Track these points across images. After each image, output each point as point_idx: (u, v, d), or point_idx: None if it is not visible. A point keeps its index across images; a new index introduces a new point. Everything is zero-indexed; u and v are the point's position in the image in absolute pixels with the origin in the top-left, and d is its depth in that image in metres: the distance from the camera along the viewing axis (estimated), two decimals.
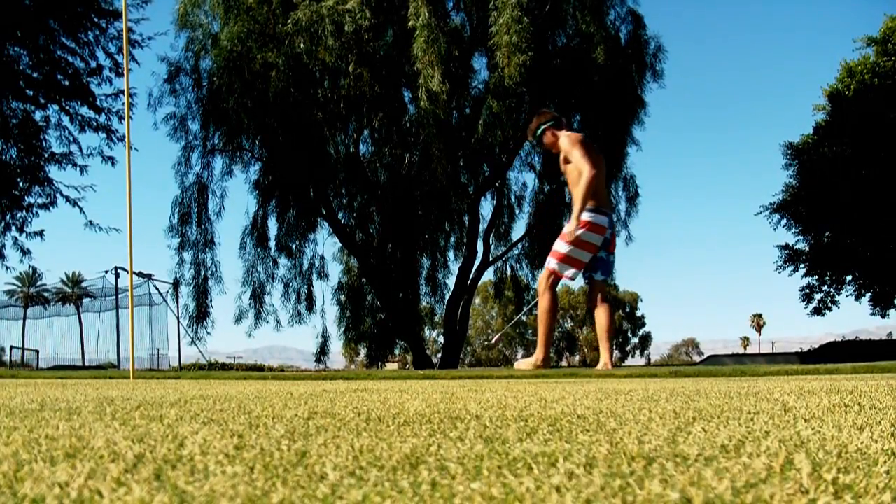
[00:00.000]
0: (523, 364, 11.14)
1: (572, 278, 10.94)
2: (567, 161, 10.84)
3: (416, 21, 25.35)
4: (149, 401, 4.98)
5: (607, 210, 10.79)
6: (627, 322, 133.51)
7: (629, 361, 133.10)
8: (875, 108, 39.23)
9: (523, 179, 32.09)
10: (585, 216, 10.62)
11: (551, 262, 10.89)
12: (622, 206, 30.25)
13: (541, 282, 10.88)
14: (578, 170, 10.60)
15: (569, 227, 10.76)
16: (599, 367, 11.05)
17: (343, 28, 25.99)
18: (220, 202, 29.84)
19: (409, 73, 27.19)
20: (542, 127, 11.38)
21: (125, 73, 15.30)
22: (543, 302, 10.88)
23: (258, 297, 30.55)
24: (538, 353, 10.98)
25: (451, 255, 32.79)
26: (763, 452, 2.12)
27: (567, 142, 10.86)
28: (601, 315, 10.93)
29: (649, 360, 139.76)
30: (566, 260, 10.79)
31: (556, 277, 10.92)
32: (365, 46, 26.79)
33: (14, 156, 27.00)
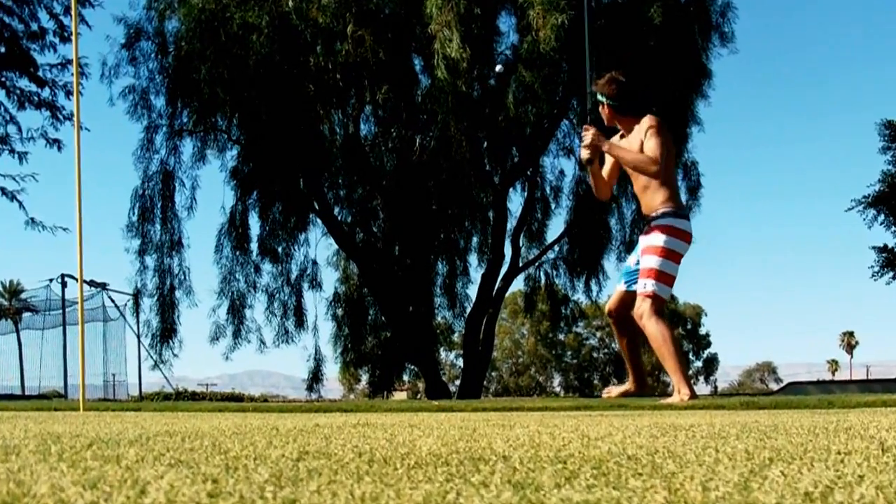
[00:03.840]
0: (672, 400, 10.90)
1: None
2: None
3: None
4: (103, 438, 4.99)
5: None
6: (689, 342, 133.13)
7: None
8: None
9: (560, 166, 31.67)
10: (667, 221, 10.41)
11: (649, 285, 10.37)
12: (681, 199, 30.17)
13: (643, 312, 10.59)
14: (651, 159, 10.48)
15: (656, 237, 10.53)
16: (623, 387, 11.30)
17: None
18: (191, 195, 29.98)
19: (420, 37, 27.22)
20: (614, 101, 11.09)
21: (73, 37, 15.32)
22: (656, 329, 10.58)
23: (237, 310, 30.58)
24: (685, 389, 10.67)
25: (472, 259, 32.81)
26: (856, 501, 2.12)
27: (653, 123, 10.68)
28: (635, 335, 10.92)
29: (715, 388, 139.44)
30: (663, 278, 10.41)
31: (660, 303, 10.49)
32: (367, 4, 26.83)
33: None
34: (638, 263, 10.55)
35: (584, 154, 10.75)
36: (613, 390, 11.66)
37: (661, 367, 11.19)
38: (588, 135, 10.61)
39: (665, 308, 10.62)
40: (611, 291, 11.21)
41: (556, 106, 28.11)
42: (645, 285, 10.34)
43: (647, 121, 10.54)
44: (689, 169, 30.30)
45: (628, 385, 11.29)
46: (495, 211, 31.24)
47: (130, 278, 29.98)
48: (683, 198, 29.57)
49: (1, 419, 9.01)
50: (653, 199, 10.45)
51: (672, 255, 10.34)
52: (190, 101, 28.83)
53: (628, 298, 10.69)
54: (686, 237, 10.44)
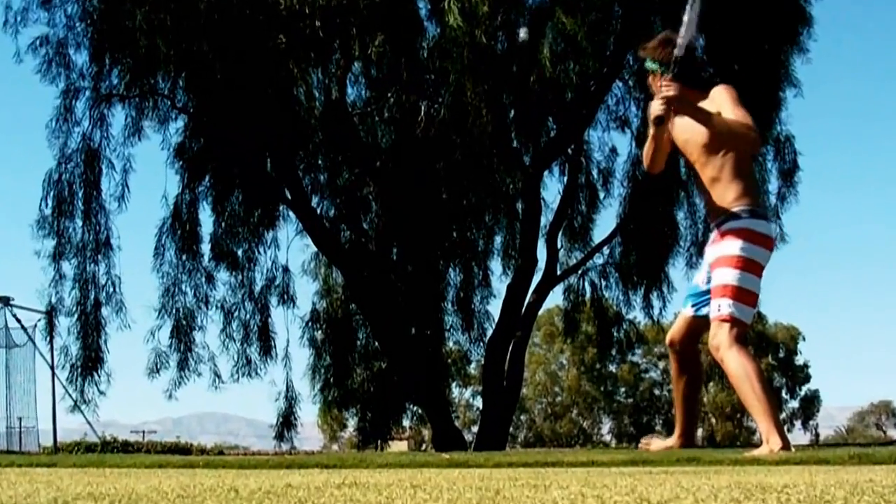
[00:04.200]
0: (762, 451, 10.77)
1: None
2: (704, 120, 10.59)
3: None
4: (6, 503, 5.01)
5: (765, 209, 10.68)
6: (781, 375, 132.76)
7: None
8: None
9: (611, 142, 31.31)
10: (742, 224, 10.08)
11: (724, 307, 10.10)
12: (772, 187, 30.02)
13: (720, 342, 10.43)
14: (748, 125, 10.35)
15: (731, 245, 10.36)
16: (668, 442, 11.29)
17: None
18: (122, 180, 29.73)
19: None
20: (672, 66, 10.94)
21: None
22: (738, 363, 10.38)
23: (183, 334, 30.41)
24: (775, 438, 10.47)
25: (494, 265, 32.80)
26: None
27: (731, 92, 10.54)
28: (697, 376, 10.95)
29: (817, 435, 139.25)
30: (743, 296, 10.07)
31: (742, 329, 10.17)
32: None
33: None
34: (709, 282, 10.38)
35: (659, 109, 10.38)
36: (654, 443, 11.63)
37: (743, 409, 11.24)
38: (672, 88, 10.23)
39: (748, 335, 10.47)
40: (678, 307, 11.10)
41: (605, 63, 28.13)
42: (720, 307, 10.12)
43: (721, 90, 10.40)
44: (781, 146, 30.09)
45: (673, 440, 11.26)
46: (525, 201, 31.21)
47: (42, 290, 29.71)
48: (774, 185, 29.79)
49: None
50: (724, 194, 10.18)
51: (752, 267, 10.06)
52: (121, 56, 28.68)
53: (696, 326, 10.66)
54: (768, 242, 10.19)
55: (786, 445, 10.10)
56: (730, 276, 10.03)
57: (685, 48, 10.24)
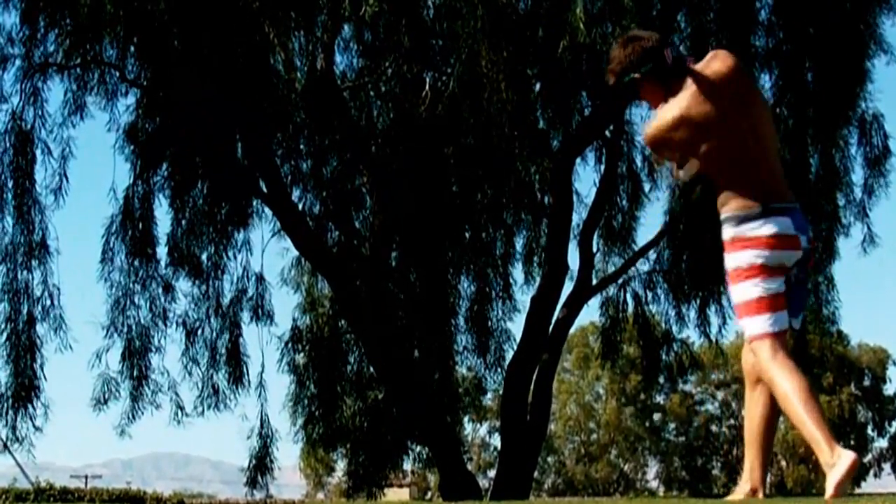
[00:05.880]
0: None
1: (796, 327, 10.92)
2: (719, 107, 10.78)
3: None
4: None
5: (786, 202, 10.72)
6: (865, 407, 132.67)
7: (870, 484, 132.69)
8: None
9: None
10: (724, 235, 10.66)
11: (744, 331, 10.63)
12: (856, 177, 30.01)
13: (759, 368, 10.70)
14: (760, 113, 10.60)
15: (725, 262, 10.71)
16: (739, 494, 11.22)
17: None
18: (61, 169, 29.66)
19: None
20: (631, 74, 11.25)
21: None
22: (778, 380, 10.61)
23: (137, 357, 30.37)
24: (838, 450, 10.52)
25: (516, 272, 32.81)
26: None
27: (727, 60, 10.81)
28: (767, 396, 11.01)
29: None
30: (749, 310, 10.44)
31: (771, 341, 10.38)
32: None
33: None
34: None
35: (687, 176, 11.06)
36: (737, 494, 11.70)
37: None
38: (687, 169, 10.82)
39: (786, 340, 10.56)
40: (741, 326, 11.20)
41: (652, 24, 28.12)
42: (743, 332, 10.74)
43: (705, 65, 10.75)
44: (866, 128, 29.93)
45: (744, 487, 11.34)
46: (554, 195, 31.14)
47: None
48: (859, 174, 29.70)
49: None
50: (718, 201, 10.80)
51: (744, 275, 10.47)
52: (60, 17, 28.69)
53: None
54: (757, 242, 10.39)
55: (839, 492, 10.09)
56: (733, 297, 10.72)
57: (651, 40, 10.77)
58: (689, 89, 10.40)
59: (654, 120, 10.79)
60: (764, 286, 10.24)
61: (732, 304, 10.85)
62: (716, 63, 10.46)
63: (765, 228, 10.19)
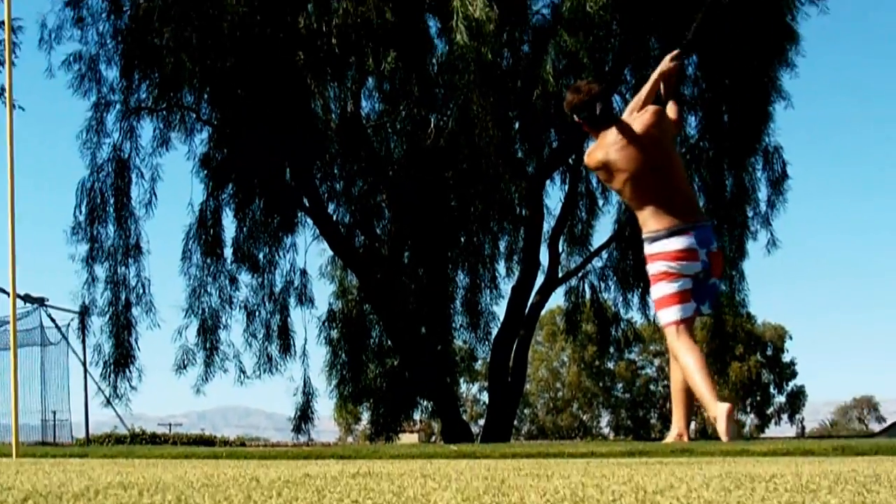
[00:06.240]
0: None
1: (706, 313, 11.38)
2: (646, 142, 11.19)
3: None
4: (41, 491, 5.00)
5: (689, 224, 11.04)
6: (769, 371, 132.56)
7: (772, 431, 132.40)
8: None
9: None
10: (650, 247, 11.16)
11: (662, 317, 11.25)
12: (762, 195, 30.05)
13: (669, 347, 11.24)
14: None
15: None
16: (670, 438, 11.75)
17: None
18: (151, 188, 29.88)
19: None
20: (574, 117, 11.78)
21: None
22: (682, 359, 11.08)
23: (209, 332, 30.46)
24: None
25: (500, 268, 32.79)
26: None
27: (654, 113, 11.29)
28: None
29: (803, 428, 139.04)
30: (658, 305, 11.24)
31: (676, 327, 11.14)
32: None
33: None
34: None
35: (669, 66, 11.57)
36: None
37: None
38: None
39: (691, 324, 11.24)
40: (657, 316, 11.76)
41: (605, 78, 28.08)
42: (660, 317, 11.41)
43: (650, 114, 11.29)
44: (770, 157, 30.08)
45: (673, 432, 11.70)
46: (529, 208, 31.17)
47: (76, 292, 29.85)
48: (763, 193, 29.88)
49: None
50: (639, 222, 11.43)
51: (657, 279, 11.10)
52: (150, 72, 28.81)
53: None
54: (665, 255, 10.99)
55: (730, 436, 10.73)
56: (651, 294, 11.53)
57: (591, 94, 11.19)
58: (614, 137, 10.86)
59: (587, 154, 11.39)
60: (671, 287, 10.88)
61: (652, 300, 11.54)
62: (643, 117, 10.92)
63: (670, 245, 10.73)
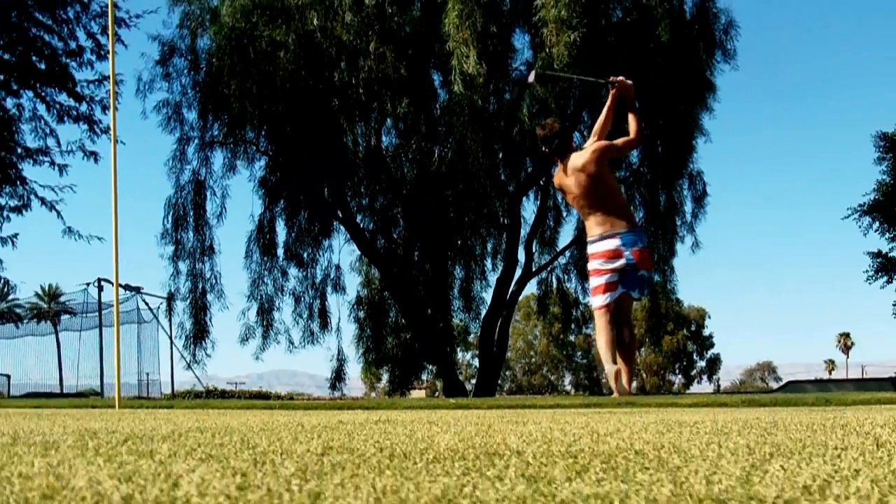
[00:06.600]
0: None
1: (636, 297, 12.16)
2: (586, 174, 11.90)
3: None
4: (137, 434, 5.00)
5: (617, 230, 11.47)
6: (693, 342, 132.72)
7: (695, 388, 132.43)
8: None
9: None
10: (589, 248, 12.01)
11: (593, 302, 12.16)
12: (688, 208, 30.05)
13: (595, 323, 12.12)
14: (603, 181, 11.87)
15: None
16: (615, 394, 12.01)
17: (363, 1, 26.08)
18: (221, 203, 29.98)
19: (439, 53, 27.25)
20: (541, 147, 12.54)
21: (111, 55, 15.41)
22: (599, 337, 12.11)
23: (265, 313, 30.56)
24: (615, 386, 11.96)
25: (488, 264, 32.67)
26: (853, 494, 2.11)
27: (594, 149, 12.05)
28: (625, 334, 12.14)
29: (718, 386, 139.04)
30: (593, 293, 12.07)
31: (603, 310, 11.97)
32: (388, 22, 26.86)
33: None
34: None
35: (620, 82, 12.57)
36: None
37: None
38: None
39: (614, 308, 12.02)
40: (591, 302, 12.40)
41: (567, 119, 28.04)
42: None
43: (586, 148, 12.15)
44: (694, 179, 30.09)
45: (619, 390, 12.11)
46: (509, 218, 31.16)
47: (164, 282, 30.10)
48: (689, 206, 29.95)
49: (41, 416, 9.03)
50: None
51: (592, 273, 11.95)
52: (220, 114, 28.95)
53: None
54: (597, 255, 11.80)
55: (619, 392, 11.92)
56: (589, 284, 12.32)
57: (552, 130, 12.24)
58: (564, 166, 11.84)
59: (554, 176, 12.42)
60: (599, 280, 11.74)
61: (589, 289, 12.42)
62: (587, 153, 11.74)
63: (601, 247, 11.56)
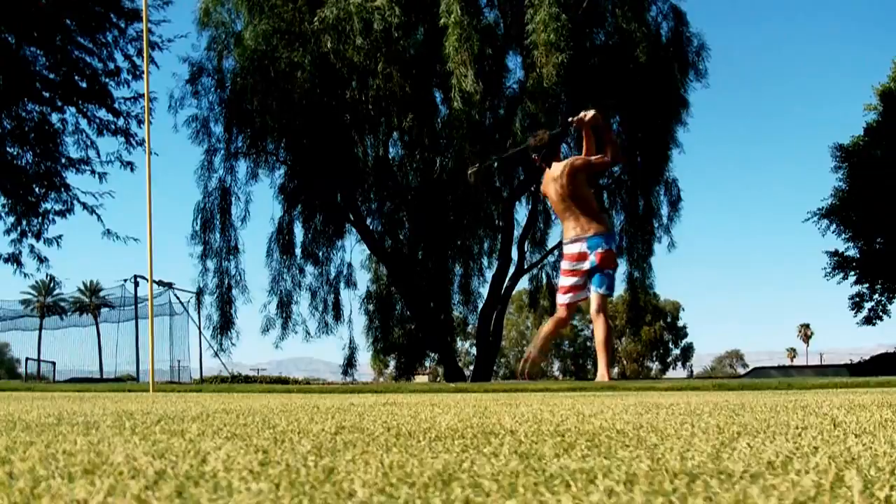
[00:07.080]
0: None
1: (601, 292, 11.65)
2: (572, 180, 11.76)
3: (448, 18, 25.41)
4: (169, 415, 5.00)
5: (586, 234, 11.48)
6: (668, 332, 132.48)
7: (670, 374, 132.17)
8: None
9: None
10: (564, 249, 11.89)
11: (559, 299, 12.04)
12: (664, 211, 30.12)
13: (595, 312, 11.83)
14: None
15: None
16: (597, 379, 11.93)
17: (372, 26, 26.08)
18: (245, 208, 30.08)
19: (440, 73, 27.26)
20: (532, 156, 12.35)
21: (145, 75, 15.41)
22: (545, 326, 12.26)
23: (285, 306, 30.65)
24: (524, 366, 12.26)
25: (484, 262, 32.70)
26: (812, 469, 2.11)
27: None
28: (597, 327, 11.87)
29: (691, 372, 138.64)
30: (562, 290, 11.93)
31: (564, 307, 11.90)
32: (394, 45, 26.84)
33: (30, 160, 26.86)
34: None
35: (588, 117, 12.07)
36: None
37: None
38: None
39: (575, 306, 12.04)
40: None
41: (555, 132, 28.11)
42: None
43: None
44: (670, 186, 30.23)
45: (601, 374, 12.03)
46: (504, 221, 31.23)
47: (194, 279, 30.48)
48: (665, 210, 29.96)
49: (83, 399, 9.03)
50: None
51: (562, 272, 11.88)
52: (244, 128, 29.05)
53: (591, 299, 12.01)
54: (567, 256, 11.70)
55: (520, 374, 12.34)
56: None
57: (541, 140, 12.01)
58: (547, 174, 11.71)
59: (542, 182, 12.00)
60: (566, 281, 11.68)
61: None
62: (566, 163, 11.57)
63: (571, 249, 11.44)
